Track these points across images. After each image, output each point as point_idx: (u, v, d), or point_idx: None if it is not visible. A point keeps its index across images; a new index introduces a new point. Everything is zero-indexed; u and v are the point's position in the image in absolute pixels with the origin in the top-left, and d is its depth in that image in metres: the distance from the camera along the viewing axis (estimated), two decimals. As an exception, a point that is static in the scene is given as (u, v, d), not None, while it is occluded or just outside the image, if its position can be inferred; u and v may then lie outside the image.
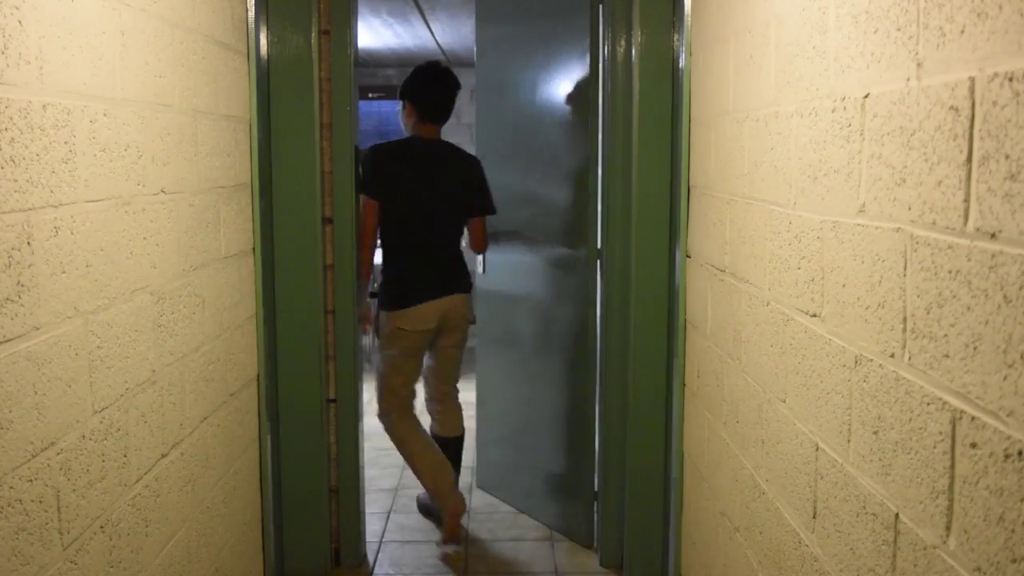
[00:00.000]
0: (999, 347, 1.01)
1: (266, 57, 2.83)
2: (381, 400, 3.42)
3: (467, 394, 3.81)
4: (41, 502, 1.46)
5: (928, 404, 1.18)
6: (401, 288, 3.31)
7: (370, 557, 3.32)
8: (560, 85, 3.38)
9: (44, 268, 1.47)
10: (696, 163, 2.57)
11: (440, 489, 3.34)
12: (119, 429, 1.76)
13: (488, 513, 3.73)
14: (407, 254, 3.33)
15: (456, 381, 3.59)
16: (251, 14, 2.65)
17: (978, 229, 1.05)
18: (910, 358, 1.24)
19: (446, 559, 3.29)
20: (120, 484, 1.76)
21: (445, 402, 3.57)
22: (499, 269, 3.71)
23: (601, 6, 3.05)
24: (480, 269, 3.74)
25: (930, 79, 1.17)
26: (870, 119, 1.36)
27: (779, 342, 1.81)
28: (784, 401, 1.78)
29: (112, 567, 1.73)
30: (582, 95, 3.24)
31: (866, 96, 1.38)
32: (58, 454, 1.51)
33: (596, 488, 3.31)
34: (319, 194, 2.96)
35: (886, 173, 1.30)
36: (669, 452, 2.87)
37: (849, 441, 1.45)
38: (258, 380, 2.77)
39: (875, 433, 1.35)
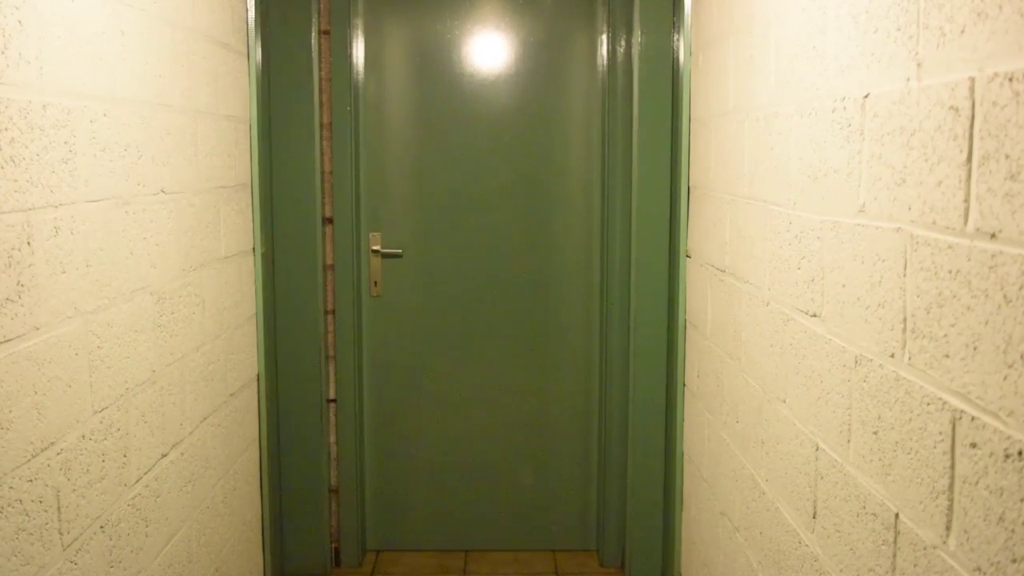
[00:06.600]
0: (999, 347, 1.01)
1: (266, 57, 2.83)
2: None
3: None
4: (41, 502, 1.46)
5: (928, 404, 1.18)
6: None
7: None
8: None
9: (44, 268, 1.47)
10: (696, 163, 2.58)
11: None
12: (119, 429, 1.76)
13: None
14: None
15: None
16: (251, 14, 2.65)
17: (978, 229, 1.05)
18: (910, 358, 1.24)
19: None
20: (120, 484, 1.76)
21: None
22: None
23: (603, 6, 3.04)
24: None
25: (930, 79, 1.17)
26: (870, 119, 1.36)
27: (779, 342, 1.81)
28: (784, 401, 1.78)
29: (112, 567, 1.73)
30: (582, 95, 3.23)
31: (866, 96, 1.38)
32: (58, 454, 1.51)
33: (596, 488, 3.30)
34: (319, 194, 2.96)
35: (886, 173, 1.30)
36: (669, 452, 2.87)
37: (849, 441, 1.45)
38: (258, 380, 2.77)
39: (875, 433, 1.35)
